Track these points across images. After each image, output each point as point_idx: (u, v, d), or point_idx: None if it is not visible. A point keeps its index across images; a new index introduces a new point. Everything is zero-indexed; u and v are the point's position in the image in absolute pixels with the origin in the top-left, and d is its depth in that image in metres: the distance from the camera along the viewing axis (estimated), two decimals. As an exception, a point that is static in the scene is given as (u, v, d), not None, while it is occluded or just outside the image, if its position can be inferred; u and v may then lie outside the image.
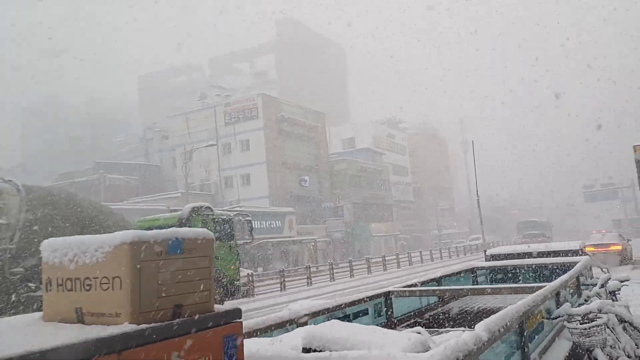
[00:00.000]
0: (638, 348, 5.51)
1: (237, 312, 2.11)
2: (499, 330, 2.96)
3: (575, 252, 8.09)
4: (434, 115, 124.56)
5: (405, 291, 5.68)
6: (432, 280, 6.89)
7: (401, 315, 5.79)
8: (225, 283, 14.18)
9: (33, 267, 8.78)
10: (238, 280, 15.01)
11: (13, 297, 8.64)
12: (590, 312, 4.30)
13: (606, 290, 6.46)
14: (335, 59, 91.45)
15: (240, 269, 14.50)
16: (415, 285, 6.10)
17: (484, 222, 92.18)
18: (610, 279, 6.31)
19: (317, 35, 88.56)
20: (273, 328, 3.81)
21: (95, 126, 74.79)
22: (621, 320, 5.63)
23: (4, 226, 9.01)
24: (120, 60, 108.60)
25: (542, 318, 4.37)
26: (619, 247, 20.90)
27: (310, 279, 22.46)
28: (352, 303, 5.19)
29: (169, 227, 13.18)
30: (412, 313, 5.94)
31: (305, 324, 4.12)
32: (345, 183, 50.28)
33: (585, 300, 5.85)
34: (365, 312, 5.36)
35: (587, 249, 20.96)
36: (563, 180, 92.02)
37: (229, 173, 43.75)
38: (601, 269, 8.71)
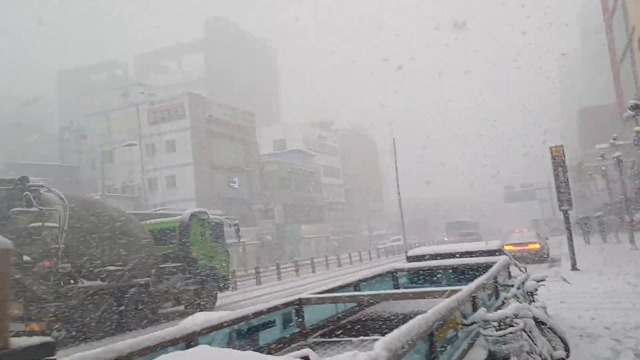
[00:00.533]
0: (555, 350, 5.37)
1: (47, 347, 1.55)
2: (403, 347, 2.57)
3: (494, 252, 8.01)
4: (366, 116, 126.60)
5: (318, 298, 5.24)
6: (349, 284, 6.51)
7: (315, 324, 5.35)
8: (217, 279, 15.79)
9: (77, 263, 11.41)
10: (228, 277, 16.86)
11: (62, 288, 10.98)
12: (507, 317, 4.04)
13: (524, 291, 6.35)
14: (265, 58, 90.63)
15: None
16: (331, 290, 5.68)
17: (412, 223, 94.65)
18: (527, 279, 6.19)
19: (247, 34, 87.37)
20: (156, 348, 3.24)
21: (6, 126, 69.68)
22: (538, 322, 5.48)
23: (56, 229, 11.10)
24: (38, 57, 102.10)
25: (457, 325, 4.06)
26: (537, 246, 21.72)
27: (235, 284, 21.70)
28: (259, 313, 4.69)
29: (171, 230, 14.40)
30: (327, 321, 5.52)
31: (192, 343, 3.58)
32: (276, 185, 49.72)
33: (503, 303, 5.66)
34: (272, 323, 4.88)
35: (507, 248, 21.38)
36: (485, 182, 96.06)
37: (153, 175, 41.98)
38: (519, 269, 8.73)
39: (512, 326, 4.06)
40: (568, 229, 14.66)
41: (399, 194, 30.19)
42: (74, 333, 10.95)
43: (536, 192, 76.98)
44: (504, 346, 3.91)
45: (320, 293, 5.43)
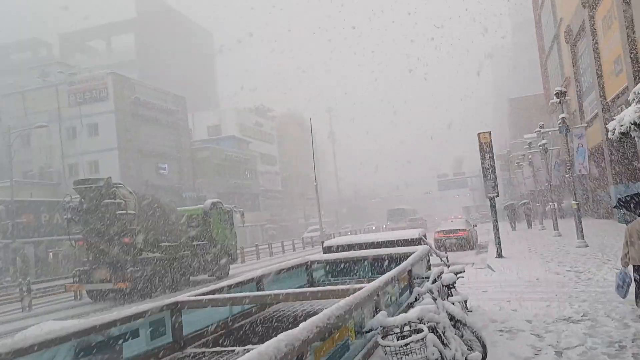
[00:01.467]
0: (471, 351, 4.82)
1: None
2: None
3: (414, 242, 7.51)
4: (304, 104, 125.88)
5: (198, 300, 4.40)
6: (250, 280, 5.70)
7: (197, 331, 4.51)
8: (230, 255, 20.27)
9: (144, 240, 15.71)
10: (237, 253, 21.72)
11: (136, 258, 15.42)
12: (410, 321, 3.38)
13: (441, 285, 5.80)
14: (201, 42, 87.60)
15: None
16: (219, 290, 4.84)
17: (350, 211, 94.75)
18: (443, 272, 5.61)
19: (181, 15, 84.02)
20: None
21: None
22: (452, 319, 4.91)
23: (132, 215, 15.45)
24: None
25: (350, 333, 3.36)
26: (466, 233, 21.99)
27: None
28: (123, 320, 3.80)
29: (196, 216, 19.31)
30: (215, 326, 4.68)
31: None
32: (209, 172, 48.10)
33: (417, 299, 5.06)
34: (139, 332, 4.01)
35: (437, 236, 21.69)
36: (420, 170, 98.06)
37: (74, 160, 39.36)
38: (440, 259, 8.26)
39: (419, 331, 3.42)
40: (494, 216, 14.54)
41: (315, 179, 29.85)
42: (143, 290, 15.25)
43: (468, 180, 79.24)
44: (405, 358, 3.25)
45: (204, 294, 4.59)
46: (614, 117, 8.58)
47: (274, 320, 5.11)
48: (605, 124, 25.14)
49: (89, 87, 39.41)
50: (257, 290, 5.71)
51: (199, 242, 18.57)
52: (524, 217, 31.84)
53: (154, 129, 42.65)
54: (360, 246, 7.50)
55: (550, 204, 24.23)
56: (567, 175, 17.29)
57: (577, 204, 14.74)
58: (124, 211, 15.10)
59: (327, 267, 7.40)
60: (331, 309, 2.91)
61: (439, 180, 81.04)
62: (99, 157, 38.61)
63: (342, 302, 3.10)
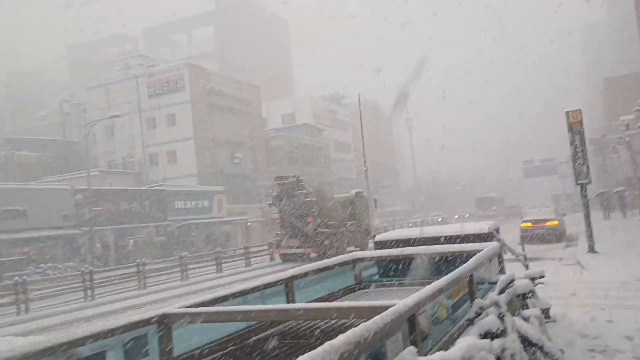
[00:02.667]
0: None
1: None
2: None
3: (483, 237, 6.30)
4: (380, 91, 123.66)
5: (194, 313, 3.53)
6: (277, 283, 4.80)
7: (193, 350, 3.65)
8: (368, 232, 24.98)
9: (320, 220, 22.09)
10: (371, 231, 24.97)
11: (317, 231, 21.67)
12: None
13: (514, 294, 4.62)
14: (278, 32, 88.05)
15: None
16: (224, 298, 3.96)
17: (428, 199, 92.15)
18: (514, 279, 4.42)
19: (258, 6, 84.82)
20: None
21: (16, 100, 69.01)
22: (526, 342, 3.76)
23: (313, 201, 21.81)
24: (49, 31, 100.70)
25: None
26: (556, 222, 20.08)
27: (221, 265, 20.31)
28: (94, 337, 3.05)
29: (345, 202, 25.68)
30: (216, 345, 3.77)
31: None
32: (283, 160, 48.03)
33: (477, 315, 3.94)
34: (116, 352, 3.23)
35: (523, 225, 19.88)
36: (503, 156, 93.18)
37: (154, 150, 40.58)
38: (516, 258, 6.98)
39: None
40: (585, 204, 12.74)
41: (364, 163, 29.86)
42: (321, 254, 20.29)
43: (557, 166, 74.04)
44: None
45: (199, 305, 3.69)
46: None
47: (291, 335, 4.19)
48: None
49: (166, 78, 40.39)
50: (287, 295, 4.84)
51: (350, 222, 23.92)
52: (618, 206, 28.84)
53: (229, 118, 43.07)
54: (417, 241, 6.40)
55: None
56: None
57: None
58: (309, 199, 21.67)
59: (377, 265, 6.38)
60: (347, 336, 1.99)
61: (525, 166, 76.41)
62: (177, 147, 39.54)
63: (359, 328, 2.14)
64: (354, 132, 71.36)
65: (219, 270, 20.07)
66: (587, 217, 12.50)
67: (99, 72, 69.30)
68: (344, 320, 3.95)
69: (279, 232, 22.30)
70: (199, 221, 33.29)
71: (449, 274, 3.86)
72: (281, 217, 22.27)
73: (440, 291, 3.40)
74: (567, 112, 12.55)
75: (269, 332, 4.22)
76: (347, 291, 5.95)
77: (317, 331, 4.12)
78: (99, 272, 19.19)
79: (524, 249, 11.66)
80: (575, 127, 12.35)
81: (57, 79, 75.90)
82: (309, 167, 51.66)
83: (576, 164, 12.36)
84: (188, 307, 3.59)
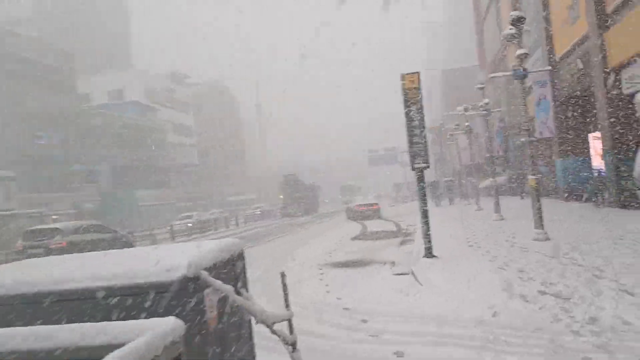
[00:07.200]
0: None
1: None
2: None
3: (176, 292, 2.48)
4: (229, 74, 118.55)
5: None
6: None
7: None
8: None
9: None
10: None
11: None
12: None
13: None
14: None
15: None
16: None
17: (274, 187, 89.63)
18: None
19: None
20: None
21: None
22: None
23: (308, 185, 49.84)
24: None
25: None
26: (378, 206, 30.06)
27: None
28: None
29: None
30: None
31: None
32: (105, 142, 41.40)
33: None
34: None
35: (357, 208, 29.50)
36: (351, 145, 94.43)
37: None
38: (266, 324, 3.50)
39: None
40: (422, 193, 9.98)
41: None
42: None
43: (397, 155, 76.10)
44: None
45: None
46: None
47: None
48: (553, 85, 21.56)
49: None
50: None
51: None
52: (446, 195, 31.37)
53: (31, 88, 35.48)
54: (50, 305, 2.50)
55: (490, 179, 20.34)
56: (522, 140, 13.01)
57: (537, 180, 10.42)
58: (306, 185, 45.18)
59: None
60: None
61: (370, 155, 77.48)
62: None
63: None
64: (198, 115, 65.96)
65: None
66: (425, 215, 9.72)
67: None
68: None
69: (284, 204, 44.26)
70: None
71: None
72: (287, 198, 44.45)
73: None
74: (403, 75, 9.64)
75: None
76: None
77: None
78: None
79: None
80: (411, 94, 9.46)
81: None
82: (138, 150, 45.51)
83: (412, 145, 9.51)
84: None
